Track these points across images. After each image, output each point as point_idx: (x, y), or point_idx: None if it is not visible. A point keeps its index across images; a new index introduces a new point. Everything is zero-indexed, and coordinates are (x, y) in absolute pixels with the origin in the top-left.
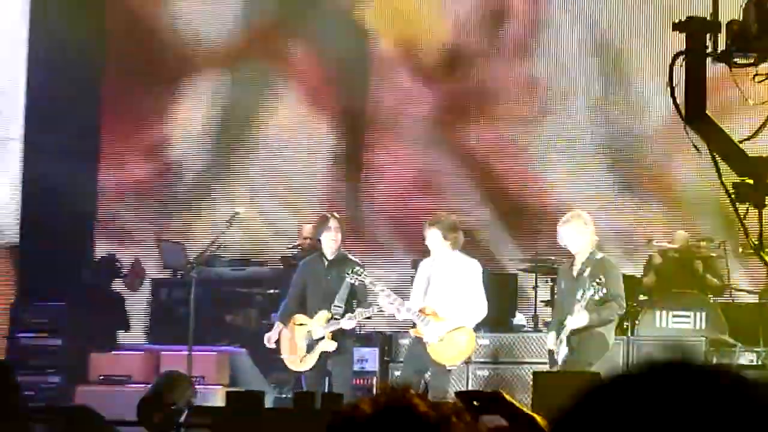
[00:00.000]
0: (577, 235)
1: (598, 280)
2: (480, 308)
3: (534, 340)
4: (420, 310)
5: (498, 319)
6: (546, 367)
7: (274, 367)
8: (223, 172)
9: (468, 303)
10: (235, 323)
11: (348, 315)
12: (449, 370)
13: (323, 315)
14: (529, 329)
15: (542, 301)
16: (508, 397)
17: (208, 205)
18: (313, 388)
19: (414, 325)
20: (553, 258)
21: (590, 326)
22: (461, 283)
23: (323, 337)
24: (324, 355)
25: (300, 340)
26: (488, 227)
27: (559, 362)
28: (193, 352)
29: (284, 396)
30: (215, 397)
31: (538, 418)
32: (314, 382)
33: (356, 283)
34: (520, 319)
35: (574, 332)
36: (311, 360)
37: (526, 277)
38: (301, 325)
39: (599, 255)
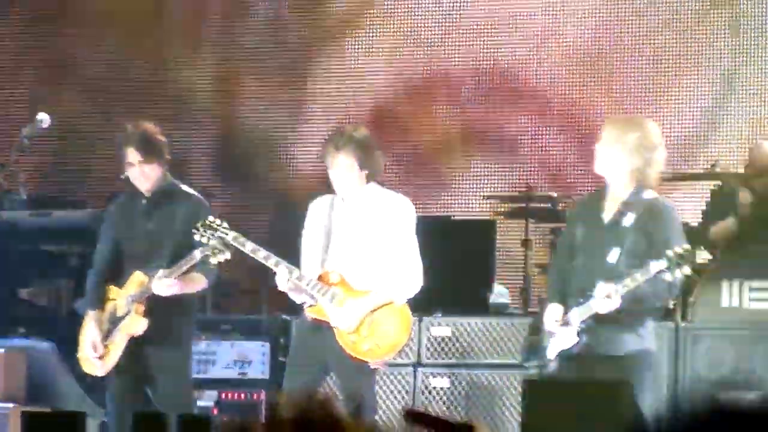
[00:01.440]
0: (616, 158)
1: (681, 252)
2: (412, 274)
3: (524, 329)
4: (319, 278)
5: (464, 295)
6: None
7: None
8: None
9: (393, 266)
10: (35, 301)
11: (161, 272)
12: (372, 370)
13: (136, 279)
14: (515, 311)
15: (537, 266)
16: None
17: None
18: (121, 407)
19: (309, 304)
20: (555, 194)
21: (622, 310)
22: (383, 235)
23: (129, 312)
24: (136, 347)
25: (100, 325)
26: (442, 141)
27: (551, 356)
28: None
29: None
30: (7, 423)
31: None
32: (124, 393)
33: (209, 242)
34: (500, 294)
35: (595, 319)
36: (114, 354)
37: (509, 226)
38: (110, 300)
39: (649, 194)
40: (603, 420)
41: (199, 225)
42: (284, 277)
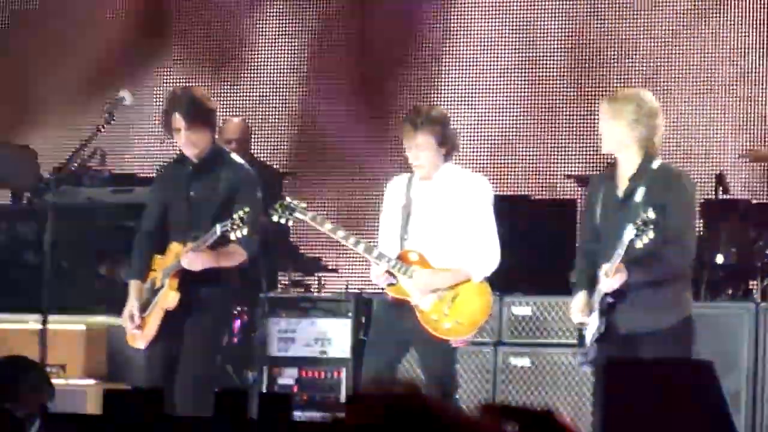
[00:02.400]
0: (611, 123)
1: (645, 217)
2: (489, 251)
3: None
4: (399, 257)
5: (545, 274)
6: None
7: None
8: None
9: (471, 244)
10: (117, 278)
11: (189, 245)
12: (453, 349)
13: (173, 250)
14: None
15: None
16: (565, 421)
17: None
18: (158, 381)
19: (391, 281)
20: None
21: (641, 283)
22: (462, 214)
23: (163, 286)
24: (170, 321)
25: (140, 296)
26: (522, 119)
27: (588, 342)
28: (49, 326)
29: None
30: (85, 399)
31: None
32: (155, 367)
33: (287, 223)
34: None
35: (611, 296)
36: (151, 326)
37: None
38: (153, 271)
39: (656, 162)
40: (683, 400)
41: (276, 206)
42: (377, 268)
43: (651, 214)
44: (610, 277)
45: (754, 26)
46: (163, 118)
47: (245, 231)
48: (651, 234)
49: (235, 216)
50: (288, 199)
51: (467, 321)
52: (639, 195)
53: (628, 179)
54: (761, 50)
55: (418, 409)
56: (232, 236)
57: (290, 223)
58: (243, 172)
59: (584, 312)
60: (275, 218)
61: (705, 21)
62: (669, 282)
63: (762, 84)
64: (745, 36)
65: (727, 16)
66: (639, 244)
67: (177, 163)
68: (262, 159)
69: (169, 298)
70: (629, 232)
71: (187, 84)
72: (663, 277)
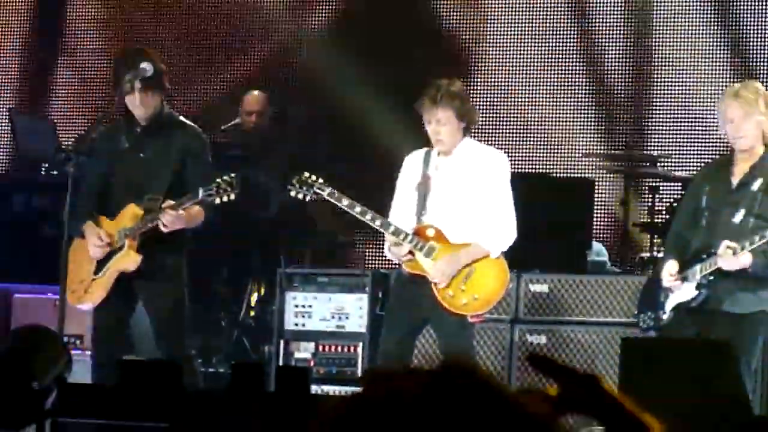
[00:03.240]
0: (748, 118)
1: None
2: (506, 227)
3: (622, 288)
4: (416, 232)
5: (563, 252)
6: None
7: (197, 325)
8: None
9: (488, 219)
10: None
11: (169, 202)
12: (471, 325)
13: (130, 212)
14: (614, 270)
15: (636, 225)
16: (608, 387)
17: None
18: (106, 348)
19: (408, 257)
20: (656, 153)
21: (751, 274)
22: (479, 189)
23: (122, 247)
24: (125, 283)
25: (88, 258)
26: (537, 98)
27: (668, 309)
28: (67, 296)
29: (212, 370)
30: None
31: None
32: (108, 329)
33: (305, 198)
34: (599, 252)
35: (717, 275)
36: (102, 288)
37: (609, 183)
38: (97, 236)
39: None
40: (701, 380)
41: (294, 180)
42: (390, 240)
43: None
44: (738, 256)
45: None
46: (113, 78)
47: (232, 196)
48: None
49: (219, 180)
50: (306, 174)
51: (484, 297)
52: (757, 184)
53: (749, 167)
54: None
55: (475, 379)
56: (217, 200)
57: (308, 198)
58: (196, 134)
59: (677, 278)
60: (293, 193)
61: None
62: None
63: None
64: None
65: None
66: None
67: (125, 123)
68: (281, 131)
69: (131, 260)
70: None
71: (141, 47)
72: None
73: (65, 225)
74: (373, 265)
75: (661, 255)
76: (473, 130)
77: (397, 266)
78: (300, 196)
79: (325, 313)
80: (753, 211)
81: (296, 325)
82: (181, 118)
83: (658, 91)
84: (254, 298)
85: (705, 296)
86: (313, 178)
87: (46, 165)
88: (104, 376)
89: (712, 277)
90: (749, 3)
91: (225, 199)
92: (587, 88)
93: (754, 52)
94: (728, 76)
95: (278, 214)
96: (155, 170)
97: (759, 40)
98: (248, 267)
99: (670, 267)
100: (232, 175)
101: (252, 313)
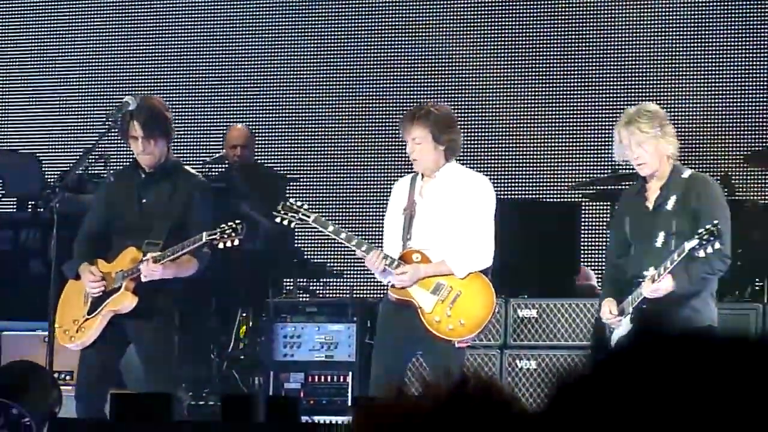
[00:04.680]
0: (645, 144)
1: (711, 228)
2: (477, 250)
3: None
4: (401, 258)
5: (551, 277)
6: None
7: (186, 357)
8: None
9: (459, 239)
10: None
11: (157, 254)
12: (460, 350)
13: (129, 254)
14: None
15: None
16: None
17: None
18: (94, 384)
19: (393, 284)
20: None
21: (678, 294)
22: (461, 213)
23: (119, 288)
24: (117, 324)
25: (82, 297)
26: (524, 123)
27: (613, 345)
28: (56, 332)
29: (202, 403)
30: None
31: None
32: (96, 367)
33: (290, 225)
34: (586, 276)
35: (647, 303)
36: (95, 328)
37: (595, 208)
38: (91, 273)
39: (686, 172)
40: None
41: (280, 207)
42: (372, 259)
43: (716, 225)
44: (657, 282)
45: (751, 26)
46: (120, 125)
47: (236, 242)
48: (717, 245)
49: (224, 225)
50: (291, 200)
51: (470, 322)
52: (670, 203)
53: (659, 188)
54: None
55: (494, 396)
56: (221, 245)
57: (293, 225)
58: (199, 183)
59: (615, 315)
60: (278, 220)
61: (703, 23)
62: (701, 291)
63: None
64: (748, 34)
65: (722, 16)
66: (701, 254)
67: (129, 171)
68: (265, 164)
69: (126, 301)
70: (691, 242)
71: (150, 94)
72: (702, 285)
73: (53, 261)
74: (360, 294)
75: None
76: (461, 156)
77: (385, 292)
78: (285, 222)
79: (314, 343)
80: (671, 232)
81: (285, 355)
82: (187, 167)
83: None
84: (243, 329)
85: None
86: (299, 204)
87: (33, 202)
88: (91, 412)
89: (644, 306)
90: (725, 31)
91: (229, 244)
92: (573, 112)
93: (727, 75)
94: (708, 99)
95: (265, 246)
96: (157, 216)
97: (731, 64)
98: (236, 298)
99: (609, 305)
100: (238, 221)
101: (241, 345)
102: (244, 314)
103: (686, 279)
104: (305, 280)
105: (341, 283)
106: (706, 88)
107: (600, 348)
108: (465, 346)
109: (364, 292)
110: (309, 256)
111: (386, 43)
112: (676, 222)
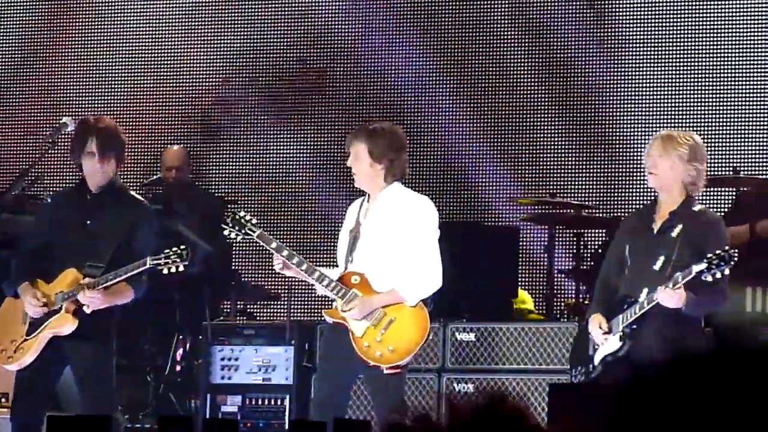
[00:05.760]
0: (666, 157)
1: (722, 253)
2: (427, 274)
3: (549, 335)
4: (340, 279)
5: (489, 301)
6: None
7: (123, 380)
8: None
9: (407, 266)
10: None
11: (88, 280)
12: (395, 375)
13: (70, 276)
14: (540, 317)
15: (561, 272)
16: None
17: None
18: (31, 408)
19: (330, 305)
20: (576, 202)
21: (685, 312)
22: (402, 235)
23: (59, 310)
24: (58, 345)
25: (20, 317)
26: (469, 146)
27: (596, 362)
28: None
29: (139, 425)
30: None
31: None
32: (32, 389)
33: (239, 238)
34: (524, 299)
35: (640, 325)
36: (33, 350)
37: (533, 232)
38: (33, 296)
39: (698, 206)
40: (625, 424)
41: (229, 219)
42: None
43: (728, 251)
44: (674, 289)
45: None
46: (75, 142)
47: (181, 267)
48: (726, 270)
49: (169, 250)
50: (242, 213)
51: (400, 348)
52: (676, 231)
53: (668, 213)
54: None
55: (513, 414)
56: (165, 270)
57: (239, 238)
58: (145, 209)
59: (604, 331)
60: (226, 232)
61: (681, 40)
62: (697, 321)
63: (747, 102)
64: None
65: (703, 25)
66: (708, 278)
67: (76, 190)
68: (203, 186)
69: (67, 323)
70: (700, 264)
71: (102, 115)
72: (701, 315)
73: None
74: (298, 317)
75: (587, 302)
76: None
77: (322, 318)
78: (232, 234)
79: (252, 365)
80: (671, 258)
81: (222, 378)
82: (132, 192)
83: (584, 139)
84: (179, 352)
85: (629, 347)
86: (247, 217)
87: None
88: None
89: (634, 326)
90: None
91: (173, 269)
92: (512, 136)
93: (679, 100)
94: (654, 122)
95: (203, 268)
96: (100, 239)
97: (682, 88)
98: (173, 321)
99: (599, 321)
100: (182, 246)
101: (178, 368)
102: (181, 337)
103: (696, 302)
104: (242, 302)
105: (279, 306)
106: (664, 113)
107: (582, 361)
108: (394, 372)
109: (302, 315)
110: (247, 278)
111: (332, 57)
112: (678, 250)
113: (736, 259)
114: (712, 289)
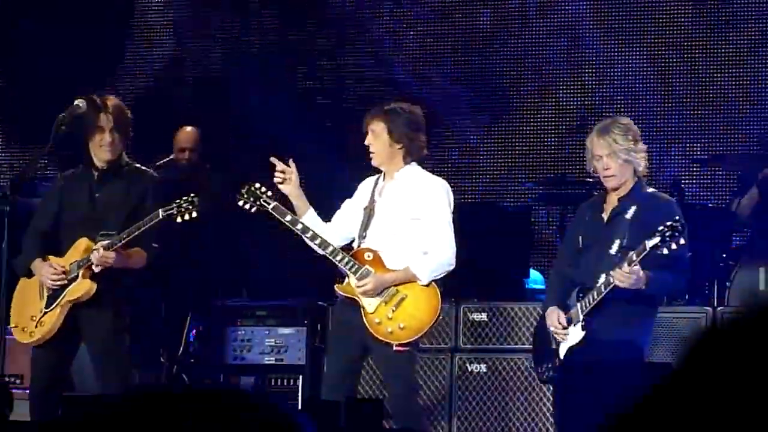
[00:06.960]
0: (615, 156)
1: (672, 223)
2: (439, 255)
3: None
4: (354, 255)
5: (502, 280)
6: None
7: (136, 361)
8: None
9: (422, 246)
10: None
11: (104, 241)
12: (405, 353)
13: (83, 245)
14: None
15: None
16: None
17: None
18: (47, 389)
19: (341, 280)
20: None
21: (644, 292)
22: (418, 214)
23: (76, 278)
24: (74, 319)
25: (37, 293)
26: (483, 127)
27: (562, 356)
28: (7, 336)
29: None
30: None
31: None
32: (48, 367)
33: (253, 210)
34: (536, 279)
35: (595, 312)
36: (51, 323)
37: (545, 212)
38: (50, 266)
39: (649, 189)
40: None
41: (244, 190)
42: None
43: (679, 221)
44: (631, 267)
45: (706, 32)
46: (84, 119)
47: (194, 214)
48: (682, 240)
49: (179, 200)
50: (257, 185)
51: (411, 326)
52: (630, 213)
53: (618, 200)
54: (715, 54)
55: None
56: (178, 219)
57: (253, 210)
58: (151, 177)
59: (563, 326)
60: (240, 203)
61: (656, 31)
62: (648, 307)
63: (717, 89)
64: (699, 42)
65: (677, 24)
66: (665, 251)
67: (83, 169)
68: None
69: (85, 288)
70: (653, 239)
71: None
72: (666, 290)
73: (2, 263)
74: (311, 297)
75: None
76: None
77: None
78: (247, 206)
79: (265, 346)
80: (626, 241)
81: (235, 359)
82: (136, 164)
83: (596, 119)
84: (192, 333)
85: (589, 335)
86: (263, 189)
87: None
88: (42, 413)
89: (594, 313)
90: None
91: (187, 217)
92: (525, 116)
93: (678, 82)
94: (659, 105)
95: (214, 248)
96: (110, 210)
97: (684, 72)
98: (185, 302)
99: (557, 315)
100: (192, 194)
101: (191, 349)
102: (194, 317)
103: (656, 281)
104: (255, 282)
105: (292, 286)
106: (656, 95)
107: (546, 356)
108: (402, 350)
109: (315, 294)
110: (259, 259)
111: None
112: (630, 232)
113: (685, 228)
114: (672, 266)
